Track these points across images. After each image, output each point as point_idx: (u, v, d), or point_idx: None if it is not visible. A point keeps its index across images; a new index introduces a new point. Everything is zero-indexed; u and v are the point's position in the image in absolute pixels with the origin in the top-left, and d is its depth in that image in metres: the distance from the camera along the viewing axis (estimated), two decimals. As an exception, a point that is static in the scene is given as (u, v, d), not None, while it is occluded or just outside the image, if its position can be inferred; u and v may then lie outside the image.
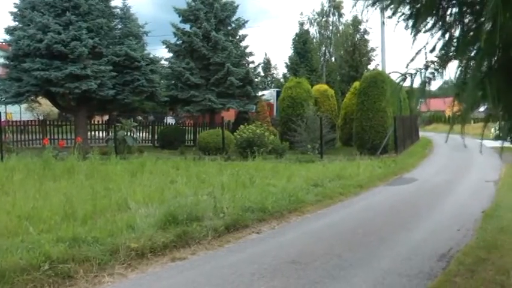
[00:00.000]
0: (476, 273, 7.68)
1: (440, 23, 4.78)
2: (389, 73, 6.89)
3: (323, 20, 72.55)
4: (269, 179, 16.70)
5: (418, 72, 4.94)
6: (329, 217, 12.67)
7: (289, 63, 61.00)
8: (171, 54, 36.89)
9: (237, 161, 24.22)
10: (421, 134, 43.98)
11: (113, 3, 33.89)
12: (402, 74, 5.10)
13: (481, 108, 5.26)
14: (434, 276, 7.65)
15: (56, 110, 41.68)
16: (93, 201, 11.43)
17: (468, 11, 4.59)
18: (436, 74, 4.84)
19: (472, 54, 4.35)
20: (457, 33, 4.76)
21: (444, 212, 13.24)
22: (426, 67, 4.89)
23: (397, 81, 5.17)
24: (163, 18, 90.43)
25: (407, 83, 5.07)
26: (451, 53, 4.73)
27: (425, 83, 4.90)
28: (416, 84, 5.04)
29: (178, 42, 36.36)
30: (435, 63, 4.82)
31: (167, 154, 28.17)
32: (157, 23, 79.70)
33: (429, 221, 12.13)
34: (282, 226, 11.54)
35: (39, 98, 34.67)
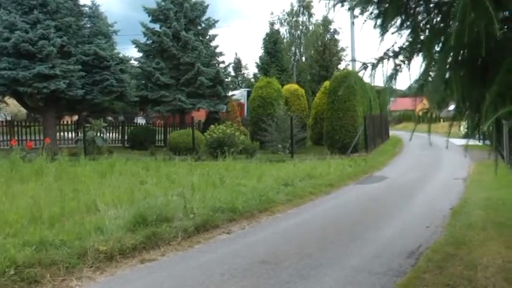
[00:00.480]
0: (444, 269, 7.74)
1: (407, 22, 4.79)
2: (351, 60, 6.86)
3: (293, 20, 72.76)
4: (239, 179, 16.68)
5: (380, 64, 4.94)
6: (299, 216, 12.68)
7: (259, 63, 60.97)
8: (141, 54, 36.75)
9: (207, 161, 24.18)
10: (391, 132, 44.28)
11: (81, 2, 33.85)
12: (363, 63, 5.10)
13: (450, 107, 5.29)
14: (403, 273, 7.69)
15: (24, 111, 41.27)
16: (61, 203, 11.26)
17: (435, 11, 4.61)
18: (402, 66, 4.85)
19: (438, 53, 4.37)
20: (423, 32, 4.78)
21: (414, 209, 13.35)
22: (390, 57, 4.90)
23: (358, 69, 5.18)
24: (133, 17, 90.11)
25: (375, 76, 5.08)
26: (416, 48, 4.75)
27: (392, 76, 4.91)
28: (378, 76, 5.05)
29: (148, 42, 36.18)
30: (401, 56, 4.84)
31: (137, 155, 28.07)
32: (127, 22, 79.47)
33: (399, 218, 12.21)
34: (252, 226, 11.52)
35: (7, 98, 34.35)
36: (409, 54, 4.81)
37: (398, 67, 4.90)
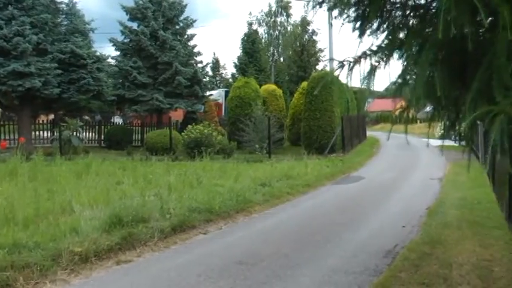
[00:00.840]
0: (420, 267, 7.82)
1: (385, 25, 4.80)
2: (330, 59, 6.87)
3: (271, 20, 72.79)
4: (217, 179, 16.65)
5: (357, 63, 4.95)
6: (276, 217, 12.70)
7: (237, 63, 60.89)
8: (118, 53, 36.48)
9: (184, 161, 24.10)
10: (368, 133, 44.47)
11: (58, -1, 33.28)
12: (340, 61, 5.10)
13: (427, 108, 5.31)
14: (379, 273, 7.74)
15: (-2, 109, 40.78)
16: (35, 204, 11.10)
17: (412, 14, 4.63)
18: (379, 64, 4.85)
19: (417, 50, 4.38)
20: (401, 34, 4.80)
21: (390, 209, 13.43)
22: (367, 56, 4.90)
23: (336, 68, 5.18)
24: (110, 15, 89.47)
25: (353, 76, 5.08)
26: (394, 49, 4.76)
27: (369, 74, 4.91)
28: (356, 76, 5.06)
29: (125, 41, 35.97)
30: (378, 54, 4.84)
31: (114, 155, 27.90)
32: (105, 20, 78.85)
33: (376, 218, 12.27)
34: (229, 226, 11.50)
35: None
36: (387, 55, 4.81)
37: (375, 66, 4.91)
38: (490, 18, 3.56)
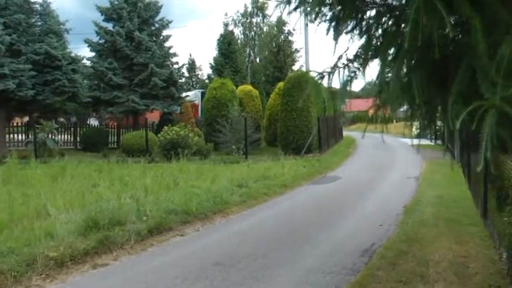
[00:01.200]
0: (397, 265, 7.90)
1: (360, 25, 4.81)
2: (309, 71, 6.89)
3: (247, 21, 72.77)
4: (193, 181, 16.60)
5: (336, 71, 4.96)
6: (254, 217, 12.71)
7: (214, 64, 60.70)
8: (93, 54, 36.07)
9: (161, 163, 23.97)
10: (345, 133, 44.65)
11: (32, -1, 33.01)
12: (319, 73, 5.12)
13: (403, 108, 5.33)
14: (357, 272, 7.79)
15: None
16: (9, 208, 10.87)
17: (387, 15, 4.63)
18: (357, 72, 4.87)
19: (393, 56, 4.40)
20: (377, 35, 4.80)
21: (367, 208, 13.52)
22: (345, 66, 4.92)
23: (316, 79, 5.19)
24: (85, 16, 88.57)
25: (332, 84, 5.10)
26: (371, 53, 4.78)
27: (347, 82, 4.93)
28: (335, 83, 5.07)
29: (100, 41, 35.60)
30: (356, 62, 4.86)
31: (90, 157, 27.69)
32: (79, 21, 78.37)
33: (353, 217, 12.34)
34: (206, 228, 11.49)
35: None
36: (364, 61, 4.83)
37: (353, 74, 4.93)
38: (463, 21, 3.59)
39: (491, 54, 2.93)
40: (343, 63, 4.98)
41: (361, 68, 4.89)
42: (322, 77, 5.07)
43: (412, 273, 7.45)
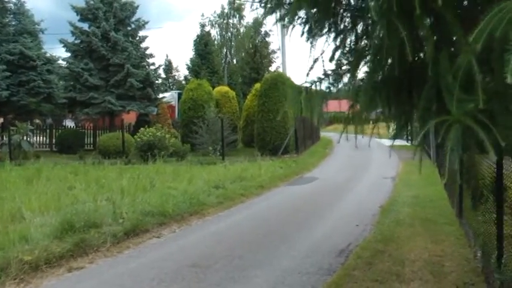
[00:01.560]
0: (373, 265, 7.94)
1: (334, 29, 4.83)
2: (292, 85, 6.93)
3: (224, 22, 72.80)
4: (170, 182, 16.55)
5: (313, 85, 5.00)
6: (230, 219, 12.69)
7: (190, 65, 60.67)
8: (68, 54, 35.78)
9: (137, 165, 23.81)
10: (322, 134, 44.76)
11: (5, -3, 32.76)
12: (298, 87, 5.15)
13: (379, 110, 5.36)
14: (333, 272, 7.81)
15: None
16: (-17, 212, 10.85)
17: (361, 18, 4.66)
18: (332, 87, 4.92)
19: (365, 69, 4.46)
20: (351, 39, 4.84)
21: (344, 208, 13.58)
22: (320, 80, 4.96)
23: (294, 95, 5.22)
24: (60, 16, 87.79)
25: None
26: (344, 67, 4.82)
27: (323, 97, 4.98)
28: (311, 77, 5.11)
29: (76, 42, 35.37)
30: (330, 77, 4.90)
31: (66, 159, 27.41)
32: (55, 21, 77.90)
33: (329, 218, 12.38)
34: (183, 229, 11.45)
35: None
36: (338, 77, 4.88)
37: (328, 89, 4.98)
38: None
39: (456, 74, 3.00)
40: (319, 78, 5.02)
41: (335, 84, 4.94)
42: (301, 92, 5.10)
43: (388, 273, 7.50)
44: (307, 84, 5.07)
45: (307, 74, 5.10)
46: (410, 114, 4.75)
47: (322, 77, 4.97)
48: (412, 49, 3.31)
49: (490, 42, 2.61)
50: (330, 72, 4.95)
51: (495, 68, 2.61)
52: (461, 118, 2.98)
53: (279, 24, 4.98)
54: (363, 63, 4.42)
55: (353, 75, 4.60)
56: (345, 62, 4.85)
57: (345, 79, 4.92)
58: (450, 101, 3.11)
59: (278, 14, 4.85)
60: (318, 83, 5.01)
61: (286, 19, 4.76)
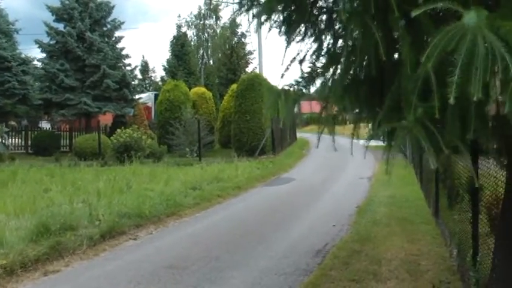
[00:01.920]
0: (350, 265, 7.98)
1: (311, 30, 4.83)
2: (270, 87, 6.92)
3: (201, 22, 72.63)
4: (146, 184, 16.50)
5: (292, 87, 5.01)
6: (207, 220, 12.68)
7: (167, 66, 60.45)
8: (44, 55, 35.53)
9: (114, 166, 23.68)
10: (298, 135, 44.78)
11: (-22, -3, 32.49)
12: (277, 90, 5.16)
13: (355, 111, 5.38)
14: (310, 272, 7.83)
15: None
16: (-44, 216, 10.71)
17: (338, 19, 4.67)
18: (304, 90, 4.93)
19: (338, 69, 4.47)
20: (328, 40, 4.84)
21: (321, 209, 13.61)
22: (298, 83, 4.97)
23: (273, 99, 5.22)
24: (35, 16, 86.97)
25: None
26: (318, 70, 4.83)
27: (295, 101, 4.99)
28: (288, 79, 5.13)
29: (51, 42, 35.08)
30: (304, 80, 4.92)
31: (41, 161, 27.20)
32: (30, 21, 77.17)
33: (306, 218, 12.40)
34: (159, 231, 11.42)
35: None
36: (311, 79, 4.89)
37: (300, 92, 4.99)
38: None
39: (417, 80, 3.05)
40: (296, 81, 5.03)
41: (307, 86, 4.96)
42: (279, 95, 5.10)
43: (364, 272, 7.54)
44: (286, 87, 5.07)
45: (282, 76, 5.10)
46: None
47: (299, 80, 4.98)
48: (385, 50, 3.34)
49: (442, 58, 2.67)
50: (305, 73, 4.95)
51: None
52: (409, 125, 3.05)
53: (255, 25, 4.97)
54: (335, 65, 4.44)
55: (324, 76, 4.62)
56: (319, 64, 4.86)
57: (319, 81, 4.92)
58: (407, 107, 3.17)
59: (253, 12, 4.83)
60: (295, 86, 5.02)
61: (262, 17, 4.75)
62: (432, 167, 3.12)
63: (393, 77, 3.56)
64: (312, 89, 4.98)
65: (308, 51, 4.89)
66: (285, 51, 4.94)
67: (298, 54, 4.97)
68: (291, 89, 4.99)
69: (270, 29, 4.90)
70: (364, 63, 4.09)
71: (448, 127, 3.06)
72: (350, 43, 3.71)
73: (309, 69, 4.92)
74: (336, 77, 4.43)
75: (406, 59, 3.20)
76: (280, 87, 5.10)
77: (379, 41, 3.27)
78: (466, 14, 2.58)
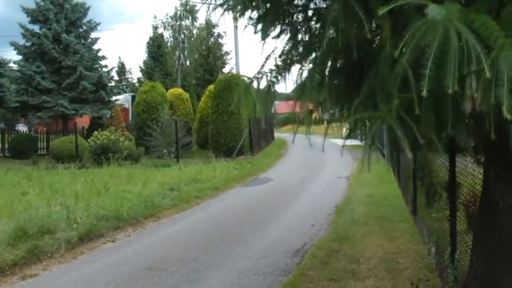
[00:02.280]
0: (329, 264, 8.01)
1: (287, 27, 4.83)
2: (241, 76, 6.92)
3: (177, 23, 72.46)
4: (124, 186, 16.45)
5: (264, 76, 4.99)
6: (185, 221, 12.67)
7: (143, 67, 60.23)
8: (20, 57, 35.19)
9: (91, 169, 23.60)
10: (276, 135, 44.85)
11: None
12: (249, 78, 5.14)
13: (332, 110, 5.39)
14: (289, 272, 7.86)
15: None
16: None
17: (314, 18, 4.67)
18: (279, 77, 4.91)
19: (314, 58, 4.46)
20: (305, 36, 4.83)
21: (299, 209, 13.63)
22: (271, 71, 4.95)
23: (246, 82, 5.21)
24: (10, 17, 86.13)
25: (261, 86, 5.12)
26: (294, 58, 4.81)
27: (269, 86, 4.96)
28: (263, 85, 5.10)
29: (27, 44, 34.74)
30: (279, 67, 4.89)
31: (19, 164, 27.00)
32: (5, 22, 76.36)
33: (285, 219, 12.42)
34: (137, 233, 11.38)
35: None
36: (287, 66, 4.86)
37: (275, 79, 4.96)
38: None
39: (394, 65, 3.05)
40: (270, 69, 5.01)
41: (283, 73, 4.92)
42: (252, 82, 5.09)
43: (343, 271, 7.58)
44: (258, 75, 5.05)
45: (259, 72, 5.10)
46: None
47: (273, 67, 4.96)
48: (370, 29, 3.35)
49: (418, 50, 2.69)
50: (279, 63, 4.94)
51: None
52: (384, 115, 3.06)
53: (232, 25, 4.97)
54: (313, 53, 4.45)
55: (304, 58, 4.61)
56: (295, 53, 4.85)
57: (294, 70, 4.91)
58: (381, 95, 3.19)
59: (227, 7, 4.81)
60: (268, 74, 5.00)
61: (235, 14, 4.74)
62: (409, 157, 3.14)
63: (372, 65, 3.57)
64: (288, 77, 4.96)
65: (284, 47, 4.91)
66: (262, 48, 4.95)
67: (273, 51, 4.98)
68: (266, 79, 4.98)
69: (245, 27, 4.90)
70: (340, 58, 4.13)
71: (424, 119, 3.08)
72: (331, 30, 3.69)
73: (283, 61, 4.92)
74: (313, 67, 4.43)
75: (386, 42, 3.21)
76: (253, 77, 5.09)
77: (363, 18, 3.26)
78: (430, 7, 2.60)
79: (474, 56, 2.46)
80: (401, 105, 3.00)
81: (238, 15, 4.71)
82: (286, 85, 5.00)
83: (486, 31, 2.55)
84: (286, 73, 4.89)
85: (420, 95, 2.63)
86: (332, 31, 3.68)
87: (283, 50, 4.91)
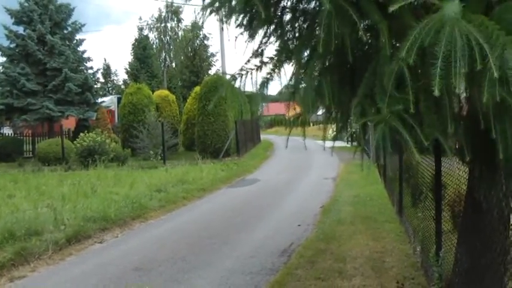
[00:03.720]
0: (316, 263, 8.09)
1: (276, 29, 4.85)
2: (225, 73, 6.91)
3: (162, 25, 72.27)
4: (111, 187, 16.44)
5: (249, 73, 5.01)
6: (173, 222, 12.70)
7: (129, 69, 60.09)
8: (4, 59, 34.84)
9: (78, 171, 23.57)
10: (262, 136, 44.91)
11: None
12: (232, 75, 5.16)
13: (319, 112, 5.43)
14: (276, 271, 7.94)
15: None
16: None
17: (302, 18, 4.70)
18: (272, 74, 4.91)
19: (307, 58, 4.48)
20: (292, 38, 4.85)
21: (286, 209, 13.68)
22: (258, 68, 4.97)
23: (231, 83, 5.22)
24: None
25: (246, 87, 5.12)
26: (282, 59, 4.83)
27: (263, 83, 4.97)
28: (249, 86, 5.10)
29: (11, 46, 34.40)
30: (270, 64, 4.90)
31: (5, 167, 26.85)
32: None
33: (272, 219, 12.48)
34: (125, 234, 11.41)
35: None
36: (278, 63, 4.88)
37: (269, 75, 4.96)
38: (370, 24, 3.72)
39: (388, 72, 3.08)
40: (256, 65, 5.02)
41: (276, 70, 4.93)
42: (235, 79, 5.10)
43: (330, 270, 7.66)
44: (242, 72, 5.06)
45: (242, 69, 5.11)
46: (350, 113, 4.84)
47: (259, 64, 4.98)
48: (365, 32, 3.38)
49: (420, 50, 2.73)
50: (267, 59, 4.95)
51: (426, 72, 2.71)
52: (387, 118, 3.10)
53: (218, 26, 4.99)
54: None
55: (297, 58, 4.62)
56: (283, 56, 4.87)
57: (282, 76, 4.93)
58: (380, 95, 3.22)
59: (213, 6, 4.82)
60: (254, 72, 5.00)
61: (223, 11, 4.75)
62: (417, 159, 3.16)
63: (367, 65, 3.60)
64: (275, 78, 4.96)
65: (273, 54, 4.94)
66: (246, 46, 4.97)
67: (261, 50, 5.01)
68: (251, 75, 4.99)
69: (231, 27, 4.92)
70: (328, 59, 4.17)
71: (427, 120, 3.12)
72: (325, 28, 3.70)
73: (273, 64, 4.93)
74: (302, 68, 4.47)
75: (385, 44, 3.25)
76: (242, 72, 5.09)
77: (357, 21, 3.29)
78: (446, 5, 2.63)
79: (479, 54, 2.51)
80: (401, 105, 3.04)
81: (224, 18, 4.74)
82: (269, 88, 5.03)
83: (486, 30, 2.61)
84: (279, 70, 4.92)
85: (421, 96, 2.67)
86: (322, 33, 3.70)
87: (273, 55, 4.94)
